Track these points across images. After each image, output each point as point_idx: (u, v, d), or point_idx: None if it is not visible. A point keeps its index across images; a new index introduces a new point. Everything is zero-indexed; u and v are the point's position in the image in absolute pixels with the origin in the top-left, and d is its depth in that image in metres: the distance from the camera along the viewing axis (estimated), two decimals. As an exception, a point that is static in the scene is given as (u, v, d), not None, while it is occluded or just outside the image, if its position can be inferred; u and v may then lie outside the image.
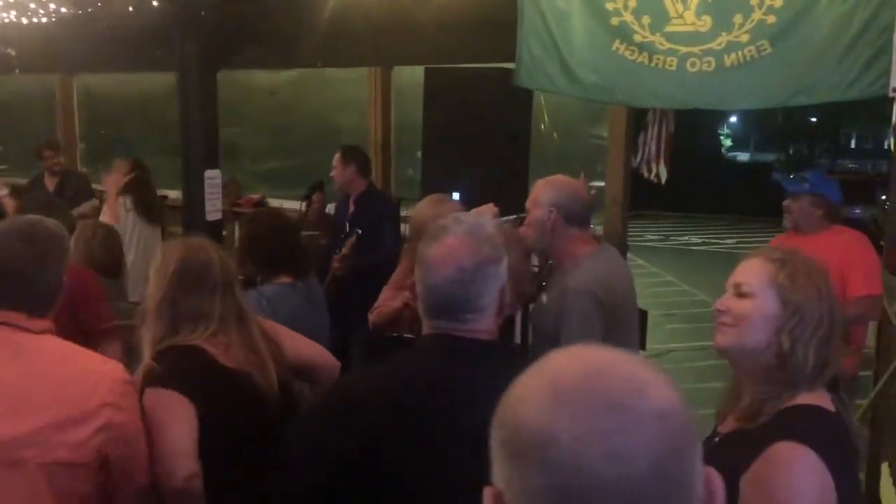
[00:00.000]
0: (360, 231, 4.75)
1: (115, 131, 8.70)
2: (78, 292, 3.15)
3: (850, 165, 25.70)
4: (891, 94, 3.38)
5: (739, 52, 3.74)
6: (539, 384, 0.78)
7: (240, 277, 2.59)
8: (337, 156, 5.02)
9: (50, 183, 6.48)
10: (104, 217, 5.18)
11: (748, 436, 1.65)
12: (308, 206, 5.29)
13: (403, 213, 5.14)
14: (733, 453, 1.63)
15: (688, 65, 3.85)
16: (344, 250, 4.65)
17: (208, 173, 5.63)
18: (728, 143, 31.40)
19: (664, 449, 0.73)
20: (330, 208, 5.53)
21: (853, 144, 32.20)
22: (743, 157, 31.41)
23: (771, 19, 3.67)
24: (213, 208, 5.69)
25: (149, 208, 5.58)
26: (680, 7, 3.84)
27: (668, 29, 3.88)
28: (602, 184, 5.08)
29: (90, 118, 8.76)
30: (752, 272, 1.75)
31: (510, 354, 1.81)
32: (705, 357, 6.86)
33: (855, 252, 3.64)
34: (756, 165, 27.76)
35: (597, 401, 0.74)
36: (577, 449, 0.72)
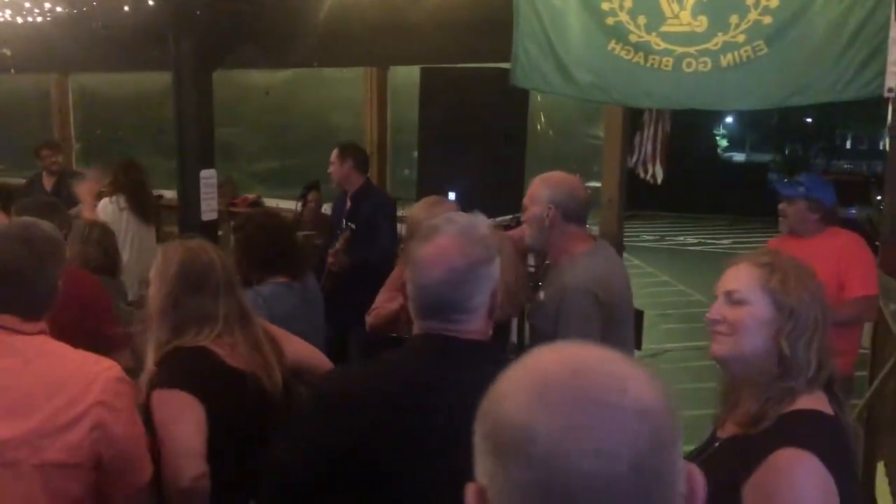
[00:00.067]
0: (353, 226, 4.75)
1: (111, 131, 8.69)
2: (87, 300, 3.22)
3: (845, 166, 25.79)
4: (886, 95, 3.39)
5: (735, 53, 3.74)
6: (522, 380, 0.78)
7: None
8: (335, 151, 5.03)
9: (48, 182, 6.46)
10: None
11: (750, 441, 1.64)
12: (304, 205, 5.28)
13: (400, 212, 5.14)
14: (735, 458, 1.63)
15: (683, 65, 3.84)
16: (338, 245, 4.67)
17: (204, 173, 5.62)
18: (724, 143, 31.46)
19: (645, 445, 0.74)
20: (326, 208, 5.53)
21: (849, 145, 32.28)
22: (739, 157, 31.47)
23: (767, 20, 3.67)
24: (209, 208, 5.67)
25: (143, 208, 5.56)
26: (676, 7, 3.84)
27: (664, 29, 3.88)
28: (598, 184, 5.08)
29: (85, 118, 8.74)
30: (743, 278, 1.74)
31: (501, 355, 1.80)
32: (701, 357, 6.86)
33: (851, 254, 3.65)
34: (752, 166, 27.83)
35: (579, 397, 0.75)
36: (558, 444, 0.72)
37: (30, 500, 1.78)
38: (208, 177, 5.66)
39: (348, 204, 5.00)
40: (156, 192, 6.40)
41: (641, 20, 3.93)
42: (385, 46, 5.87)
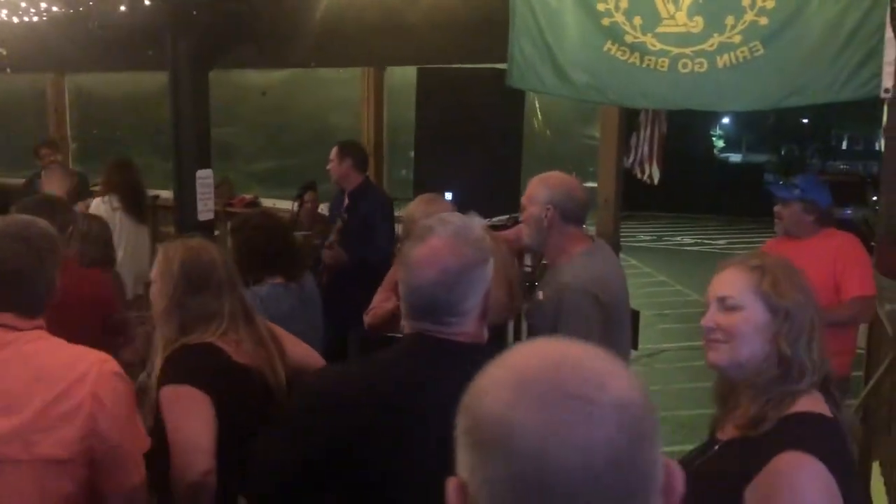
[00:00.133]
0: (345, 216, 4.76)
1: (107, 131, 8.67)
2: (106, 301, 3.34)
3: (841, 166, 25.85)
4: (883, 95, 3.39)
5: (732, 54, 3.75)
6: (503, 375, 0.80)
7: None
8: (334, 149, 5.03)
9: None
10: None
11: (750, 444, 1.63)
12: (300, 206, 5.28)
13: (397, 213, 5.14)
14: (736, 462, 1.63)
15: (679, 66, 3.85)
16: (332, 237, 4.68)
17: (200, 173, 5.62)
18: (720, 143, 31.54)
19: (624, 439, 0.75)
20: (323, 208, 5.53)
21: (844, 146, 32.37)
22: (735, 157, 31.53)
23: (763, 21, 3.68)
24: (205, 208, 5.67)
25: (137, 208, 5.53)
26: (672, 8, 3.85)
27: (660, 30, 3.89)
28: (594, 184, 5.08)
29: (82, 118, 8.72)
30: (734, 283, 1.72)
31: (492, 357, 1.80)
32: (697, 357, 6.84)
33: (848, 255, 3.65)
34: (748, 166, 27.89)
35: (558, 392, 0.76)
36: (537, 438, 0.73)
37: (21, 496, 1.77)
38: (205, 177, 5.66)
39: (346, 201, 5.00)
40: (153, 192, 6.40)
41: (637, 21, 3.94)
42: (382, 47, 5.87)
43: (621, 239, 5.29)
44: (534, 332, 3.18)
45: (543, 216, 2.89)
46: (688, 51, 3.83)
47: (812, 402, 1.65)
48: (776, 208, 3.84)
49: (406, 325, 1.70)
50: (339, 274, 4.67)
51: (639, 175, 4.69)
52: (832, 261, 3.57)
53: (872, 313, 3.57)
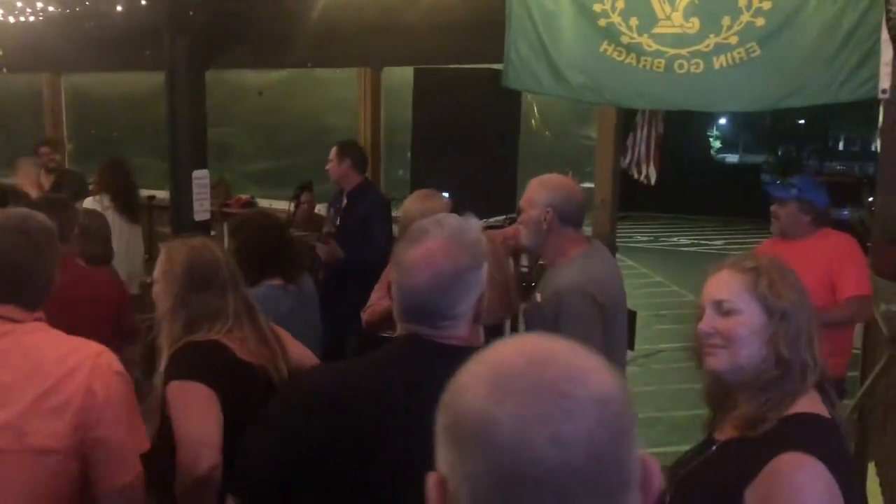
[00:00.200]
0: (337, 205, 4.75)
1: (104, 131, 8.67)
2: (118, 301, 3.44)
3: (837, 167, 25.91)
4: (881, 96, 3.39)
5: (728, 54, 3.75)
6: (482, 371, 0.80)
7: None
8: (334, 149, 5.03)
9: (46, 181, 6.34)
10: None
11: (750, 444, 1.62)
12: (297, 206, 5.27)
13: (394, 213, 5.14)
14: (735, 462, 1.62)
15: (675, 66, 3.85)
16: (326, 228, 4.69)
17: (196, 173, 5.61)
18: (717, 144, 31.58)
19: (603, 434, 0.75)
20: (319, 208, 5.52)
21: (841, 146, 32.43)
22: (732, 158, 31.58)
23: (760, 22, 3.68)
24: (201, 208, 5.67)
25: (129, 208, 5.50)
26: (668, 9, 3.85)
27: (656, 31, 3.89)
28: (591, 185, 5.09)
29: (78, 118, 8.71)
30: (730, 287, 1.71)
31: None
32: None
33: (844, 255, 3.65)
34: (745, 167, 27.92)
35: (537, 387, 0.76)
36: (517, 433, 0.74)
37: (12, 486, 1.76)
38: (201, 177, 5.65)
39: (344, 202, 5.00)
40: (149, 192, 6.39)
41: (633, 22, 3.94)
42: (379, 47, 5.87)
43: (618, 239, 5.30)
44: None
45: (543, 219, 2.89)
46: (684, 51, 3.83)
47: (811, 403, 1.65)
48: (773, 208, 3.84)
49: (399, 327, 1.68)
50: (336, 274, 4.67)
51: (635, 175, 4.70)
52: (828, 261, 3.58)
53: (869, 313, 3.57)
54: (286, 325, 2.63)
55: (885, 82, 3.37)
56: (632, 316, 3.73)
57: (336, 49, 6.06)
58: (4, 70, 7.61)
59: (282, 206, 5.84)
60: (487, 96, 4.75)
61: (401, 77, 6.01)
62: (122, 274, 4.80)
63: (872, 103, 3.56)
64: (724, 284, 1.72)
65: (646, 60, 3.92)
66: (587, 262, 2.90)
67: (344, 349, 4.60)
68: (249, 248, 3.18)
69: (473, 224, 1.73)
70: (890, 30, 3.22)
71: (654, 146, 4.59)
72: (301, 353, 2.56)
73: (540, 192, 2.93)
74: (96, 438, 1.81)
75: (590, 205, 4.64)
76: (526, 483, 0.73)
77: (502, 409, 0.75)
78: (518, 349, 0.82)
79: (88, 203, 5.39)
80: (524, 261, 4.83)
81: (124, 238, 5.41)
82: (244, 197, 7.35)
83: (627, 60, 3.97)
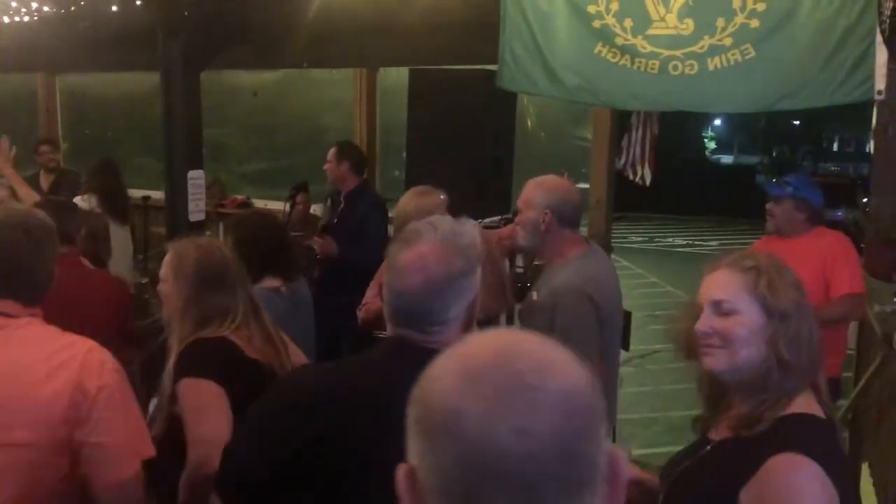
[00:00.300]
0: (335, 199, 4.78)
1: (99, 131, 8.65)
2: (123, 302, 3.48)
3: (832, 168, 25.91)
4: (877, 97, 3.38)
5: (723, 56, 3.75)
6: (451, 364, 0.81)
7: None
8: (332, 150, 5.02)
9: (45, 181, 6.25)
10: (24, 197, 5.08)
11: (745, 444, 1.62)
12: (292, 206, 5.27)
13: (390, 214, 5.14)
14: (730, 461, 1.62)
15: (670, 68, 3.86)
16: (322, 221, 4.69)
17: (191, 174, 5.61)
18: (712, 145, 31.58)
19: (569, 427, 0.76)
20: (315, 209, 5.51)
21: (835, 147, 32.44)
22: (727, 159, 31.58)
23: (754, 23, 3.68)
24: (197, 209, 5.67)
25: (118, 209, 5.47)
26: (662, 10, 3.86)
27: (650, 32, 3.90)
28: (586, 185, 5.09)
29: (73, 118, 8.69)
30: (729, 286, 1.68)
31: None
32: (689, 358, 6.87)
33: (838, 253, 3.67)
34: (739, 168, 27.96)
35: (505, 379, 0.77)
36: (484, 425, 0.75)
37: (0, 480, 1.75)
38: (196, 177, 5.65)
39: (341, 203, 5.00)
40: (144, 192, 6.36)
41: (628, 23, 3.95)
42: (374, 48, 5.87)
43: (613, 240, 5.31)
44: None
45: (541, 220, 2.90)
46: (678, 53, 3.84)
47: (807, 404, 1.65)
48: (768, 206, 3.86)
49: (388, 329, 1.66)
50: (332, 274, 4.67)
51: (631, 176, 4.71)
52: (822, 259, 3.59)
53: (863, 311, 3.58)
54: (281, 328, 2.64)
55: (880, 83, 3.38)
56: (627, 316, 3.74)
57: (332, 50, 6.06)
58: (-1, 70, 7.60)
59: (277, 206, 5.83)
60: (483, 97, 4.76)
61: (396, 78, 6.00)
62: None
63: (867, 104, 3.56)
64: (723, 284, 1.70)
65: (640, 62, 3.93)
66: (584, 262, 2.91)
67: (340, 348, 4.60)
68: (248, 246, 3.18)
69: (468, 227, 1.70)
70: (882, 31, 3.22)
71: (649, 147, 4.60)
72: (296, 356, 2.57)
73: (537, 193, 2.94)
74: (87, 434, 1.80)
75: (585, 205, 4.65)
76: (492, 475, 0.74)
77: (469, 401, 0.76)
78: (488, 343, 0.83)
79: (77, 202, 5.38)
80: (519, 261, 4.83)
81: (113, 239, 5.40)
82: (240, 197, 7.34)
83: (622, 62, 3.97)
